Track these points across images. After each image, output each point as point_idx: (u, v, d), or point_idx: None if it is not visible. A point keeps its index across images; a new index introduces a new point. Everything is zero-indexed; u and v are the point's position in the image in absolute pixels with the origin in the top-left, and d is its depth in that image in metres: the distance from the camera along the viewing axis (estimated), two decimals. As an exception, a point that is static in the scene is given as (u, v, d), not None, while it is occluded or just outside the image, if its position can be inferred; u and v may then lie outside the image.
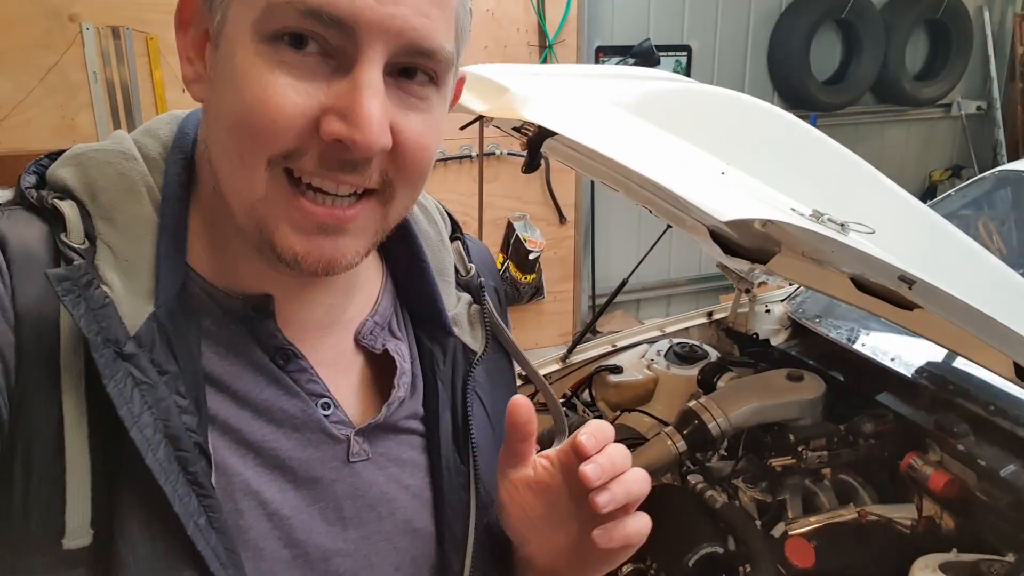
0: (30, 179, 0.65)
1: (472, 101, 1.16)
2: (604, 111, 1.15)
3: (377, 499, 0.69)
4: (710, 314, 2.61)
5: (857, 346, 2.14)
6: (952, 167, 5.70)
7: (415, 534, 0.71)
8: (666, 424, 2.08)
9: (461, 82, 0.73)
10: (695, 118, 1.20)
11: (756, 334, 2.41)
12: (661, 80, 1.46)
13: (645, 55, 4.43)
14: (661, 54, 4.50)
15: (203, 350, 0.63)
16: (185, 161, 0.66)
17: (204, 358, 0.62)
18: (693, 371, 2.24)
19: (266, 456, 0.64)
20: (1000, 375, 1.42)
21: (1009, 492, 1.62)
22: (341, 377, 0.71)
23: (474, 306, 0.80)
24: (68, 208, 0.61)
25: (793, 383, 1.92)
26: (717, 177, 1.04)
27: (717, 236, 1.94)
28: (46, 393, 0.56)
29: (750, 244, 1.88)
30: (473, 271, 0.82)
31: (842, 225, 1.01)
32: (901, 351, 2.04)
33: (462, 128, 1.50)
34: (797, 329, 2.42)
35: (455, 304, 0.78)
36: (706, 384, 2.14)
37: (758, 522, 1.77)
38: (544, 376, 0.94)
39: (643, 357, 2.38)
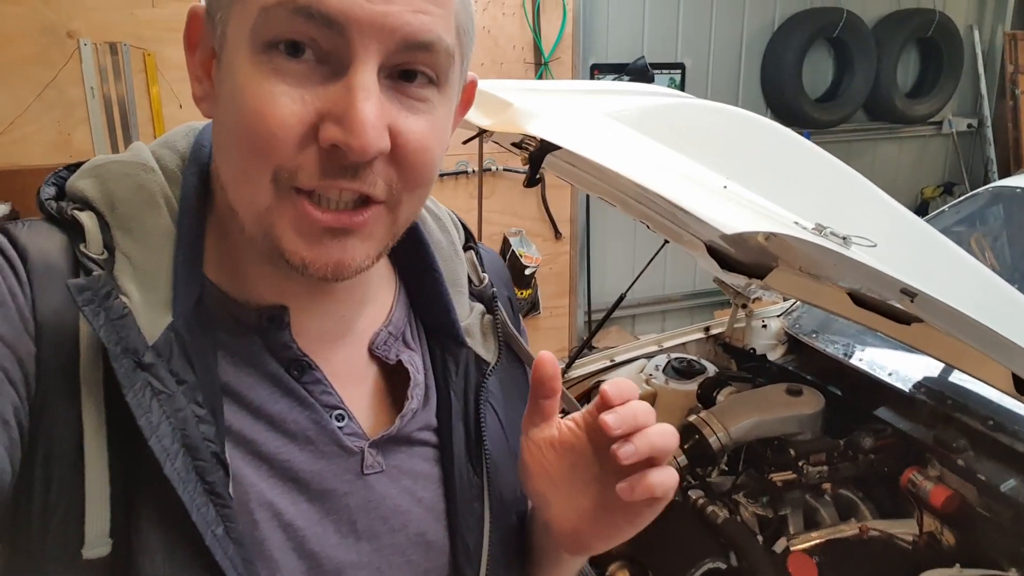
0: (49, 191, 0.65)
1: (475, 116, 1.17)
2: (606, 126, 1.16)
3: (390, 512, 0.69)
4: (707, 329, 2.62)
5: (854, 361, 2.14)
6: (944, 184, 5.75)
7: (428, 546, 0.71)
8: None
9: (472, 86, 0.72)
10: (696, 133, 1.21)
11: (753, 349, 2.42)
12: (661, 96, 1.47)
13: (639, 73, 4.46)
14: (655, 71, 4.53)
15: (219, 361, 0.63)
16: (201, 173, 0.66)
17: (220, 369, 0.62)
18: (691, 386, 2.24)
19: (280, 468, 0.64)
20: (999, 389, 1.42)
21: (1010, 507, 1.63)
22: (355, 388, 0.71)
23: (487, 316, 0.80)
24: (87, 219, 0.61)
25: (793, 398, 1.92)
26: (720, 191, 1.05)
27: (714, 251, 1.95)
28: (66, 403, 0.56)
29: (747, 259, 1.89)
30: (486, 281, 0.82)
31: (844, 239, 1.02)
32: (898, 366, 2.05)
33: (465, 143, 1.50)
34: (794, 344, 2.43)
35: (468, 314, 0.78)
36: (706, 399, 2.14)
37: (760, 537, 1.77)
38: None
39: (641, 372, 2.38)
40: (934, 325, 1.22)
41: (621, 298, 2.51)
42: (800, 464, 1.86)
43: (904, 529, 1.76)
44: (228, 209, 0.63)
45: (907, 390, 1.96)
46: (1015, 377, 1.33)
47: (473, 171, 4.10)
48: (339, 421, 0.67)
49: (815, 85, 5.06)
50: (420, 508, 0.71)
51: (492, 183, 4.23)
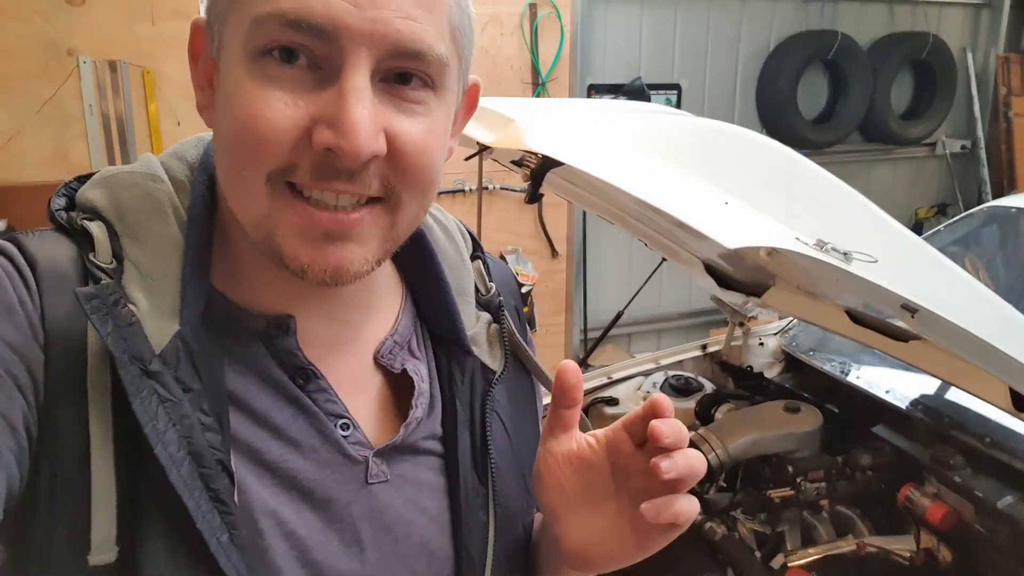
0: (60, 201, 0.66)
1: (478, 132, 1.18)
2: (608, 143, 1.17)
3: (394, 521, 0.69)
4: (704, 347, 2.62)
5: (851, 379, 2.15)
6: (938, 205, 5.78)
7: (432, 556, 0.71)
8: (663, 456, 2.08)
9: (475, 89, 0.73)
10: (697, 150, 1.23)
11: (750, 367, 2.43)
12: (662, 114, 1.48)
13: (636, 93, 4.49)
14: (652, 92, 4.57)
15: (225, 368, 0.63)
16: (209, 182, 0.67)
17: (225, 377, 0.63)
18: (689, 403, 2.24)
19: (283, 477, 0.64)
20: (997, 406, 1.43)
21: (1007, 524, 1.63)
22: (360, 396, 0.71)
23: (494, 325, 0.80)
24: (96, 228, 0.62)
25: (791, 415, 1.93)
26: (721, 207, 1.06)
27: (712, 269, 1.96)
28: (73, 410, 0.57)
29: (745, 277, 1.90)
30: (493, 290, 0.82)
31: (845, 254, 1.03)
32: (895, 384, 2.06)
33: (467, 159, 1.51)
34: (791, 362, 2.44)
35: (475, 323, 0.78)
36: (704, 416, 2.14)
37: (757, 554, 1.77)
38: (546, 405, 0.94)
39: (639, 389, 2.38)
40: (933, 341, 1.23)
41: (619, 316, 2.52)
42: (798, 481, 1.86)
43: (901, 546, 1.76)
44: (232, 216, 0.64)
45: (904, 408, 1.97)
46: (1013, 394, 1.34)
47: (470, 189, 4.12)
48: (344, 430, 0.68)
49: (810, 107, 5.10)
50: (424, 518, 0.71)
51: (489, 201, 4.25)
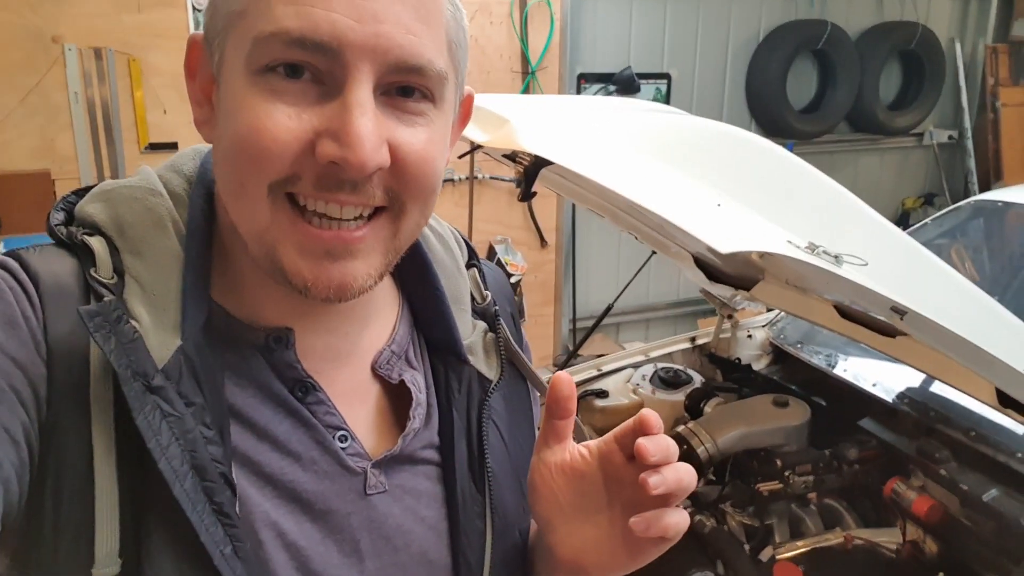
0: (58, 216, 0.66)
1: (472, 131, 1.18)
2: (602, 143, 1.17)
3: (393, 531, 0.69)
4: (693, 339, 2.64)
5: (838, 371, 2.17)
6: (925, 195, 5.82)
7: (431, 565, 0.71)
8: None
9: (469, 100, 0.73)
10: (689, 150, 1.23)
11: (739, 359, 2.45)
12: (656, 113, 1.49)
13: (626, 83, 4.49)
14: (641, 82, 4.56)
15: (225, 382, 0.63)
16: (208, 196, 0.67)
17: (226, 390, 0.63)
18: (678, 396, 2.26)
19: (283, 489, 0.64)
20: (982, 401, 1.45)
21: (991, 517, 1.65)
22: (358, 408, 0.71)
23: (489, 334, 0.80)
24: (97, 244, 0.62)
25: (779, 409, 1.95)
26: (714, 209, 1.07)
27: (701, 262, 1.97)
28: (76, 424, 0.57)
29: (734, 271, 1.91)
30: (489, 298, 0.82)
31: (836, 257, 1.03)
32: (882, 377, 2.08)
33: (460, 157, 1.51)
34: (779, 355, 2.46)
35: (471, 332, 0.79)
36: (693, 409, 2.16)
37: (746, 547, 1.79)
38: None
39: (628, 382, 2.39)
40: (922, 341, 1.24)
41: (609, 308, 2.53)
42: (786, 474, 1.88)
43: (888, 538, 1.79)
44: (232, 230, 0.64)
45: (891, 401, 1.99)
46: (998, 391, 1.36)
47: (460, 179, 4.11)
48: (342, 442, 0.68)
49: (799, 96, 5.11)
50: (423, 527, 0.71)
51: (479, 191, 4.25)
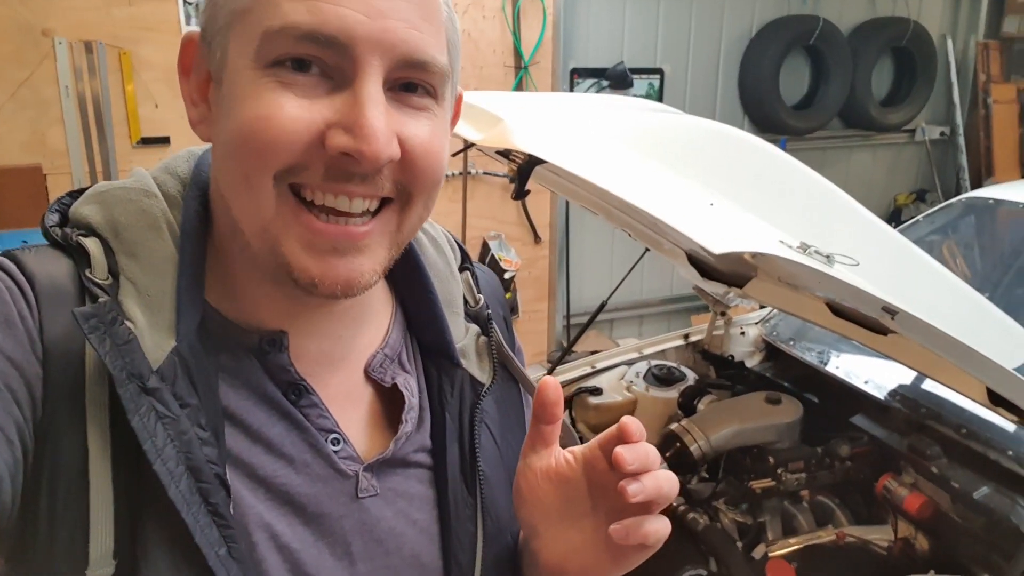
0: (53, 217, 0.66)
1: (465, 129, 1.18)
2: (595, 142, 1.17)
3: (385, 534, 0.70)
4: (687, 336, 2.64)
5: (830, 368, 2.18)
6: (917, 191, 5.84)
7: (422, 568, 0.71)
8: (646, 446, 2.10)
9: (460, 99, 0.74)
10: (683, 149, 1.23)
11: (732, 356, 2.45)
12: (650, 111, 1.48)
13: (619, 78, 4.49)
14: (634, 77, 4.56)
15: (219, 384, 0.63)
16: (202, 197, 0.67)
17: (220, 392, 0.63)
18: (671, 393, 2.27)
19: (277, 491, 0.64)
20: (973, 399, 1.46)
21: (982, 514, 1.66)
22: (351, 411, 0.71)
23: (482, 337, 0.80)
24: (92, 245, 0.62)
25: (772, 406, 1.95)
26: (707, 209, 1.07)
27: (694, 260, 1.97)
28: (71, 425, 0.57)
29: (727, 268, 1.92)
30: (482, 302, 0.82)
31: (828, 257, 1.04)
32: (873, 374, 2.09)
33: (454, 155, 1.50)
34: (771, 351, 2.46)
35: (463, 335, 0.79)
36: (686, 406, 2.16)
37: (739, 544, 1.80)
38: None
39: (622, 379, 2.40)
40: (910, 338, 1.25)
41: (603, 305, 2.53)
42: (778, 471, 1.89)
43: (879, 535, 1.80)
44: (230, 231, 0.64)
45: (882, 398, 2.00)
46: (989, 389, 1.36)
47: (453, 175, 4.10)
48: (334, 445, 0.68)
49: (791, 92, 5.11)
50: (415, 530, 0.71)
51: (472, 187, 4.24)
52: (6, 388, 0.55)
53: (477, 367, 0.78)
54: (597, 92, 4.51)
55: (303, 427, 0.66)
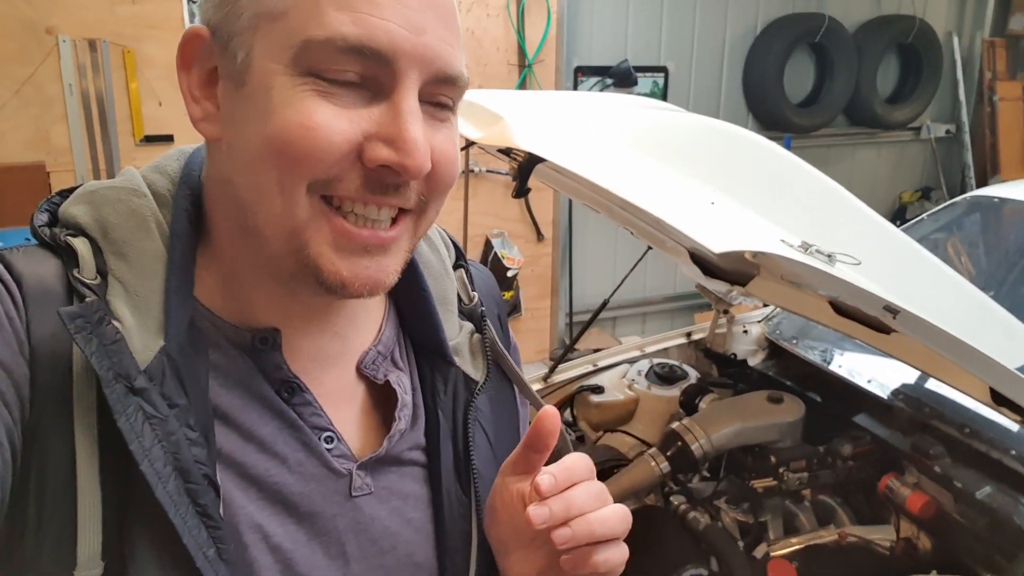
0: (42, 217, 0.65)
1: (466, 128, 1.17)
2: (596, 140, 1.16)
3: (379, 533, 0.69)
4: (689, 335, 2.63)
5: (833, 367, 2.17)
6: (922, 189, 5.82)
7: (417, 567, 0.71)
8: (647, 444, 2.10)
9: None
10: (684, 147, 1.22)
11: (734, 355, 2.44)
12: (652, 109, 1.48)
13: (623, 76, 4.48)
14: (638, 75, 4.56)
15: (210, 383, 0.63)
16: (192, 197, 0.66)
17: (211, 391, 0.63)
18: (673, 391, 2.26)
19: (269, 490, 0.64)
20: (976, 399, 1.45)
21: (985, 514, 1.65)
22: (344, 409, 0.71)
23: (476, 335, 0.80)
24: (80, 245, 0.62)
25: (774, 405, 1.94)
26: (707, 207, 1.06)
27: (697, 258, 1.97)
28: (59, 426, 0.57)
29: (729, 266, 1.91)
30: (476, 300, 0.82)
31: (829, 256, 1.03)
32: (876, 373, 2.08)
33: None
34: (774, 350, 2.45)
35: (457, 333, 0.78)
36: (688, 405, 2.15)
37: (740, 543, 1.79)
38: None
39: (624, 377, 2.39)
40: (916, 339, 1.24)
41: (605, 303, 2.52)
42: (780, 471, 1.88)
43: (882, 535, 1.79)
44: (232, 230, 0.64)
45: (885, 397, 1.99)
46: (992, 389, 1.36)
47: (456, 172, 4.10)
48: (328, 443, 0.68)
49: (796, 90, 5.10)
50: (409, 529, 0.71)
51: (475, 184, 4.24)
52: None
53: (471, 365, 0.78)
54: (601, 90, 4.51)
55: (296, 425, 0.66)
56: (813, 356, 2.25)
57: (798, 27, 4.88)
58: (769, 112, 4.98)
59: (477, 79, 4.11)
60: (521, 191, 1.32)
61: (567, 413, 2.37)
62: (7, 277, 0.59)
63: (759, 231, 1.06)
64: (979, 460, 1.75)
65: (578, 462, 0.66)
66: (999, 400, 1.38)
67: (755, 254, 1.03)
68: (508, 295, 4.45)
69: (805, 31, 4.89)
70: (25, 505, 0.56)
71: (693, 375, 2.35)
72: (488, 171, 4.20)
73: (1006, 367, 1.17)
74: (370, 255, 0.61)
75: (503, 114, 1.14)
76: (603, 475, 1.90)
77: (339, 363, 0.72)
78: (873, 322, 1.59)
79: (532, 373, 2.48)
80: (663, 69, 4.71)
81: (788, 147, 4.71)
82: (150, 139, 3.58)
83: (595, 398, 2.30)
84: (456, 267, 0.83)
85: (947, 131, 5.74)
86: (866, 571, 1.74)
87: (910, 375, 2.03)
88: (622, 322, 5.05)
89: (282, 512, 0.64)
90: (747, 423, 1.90)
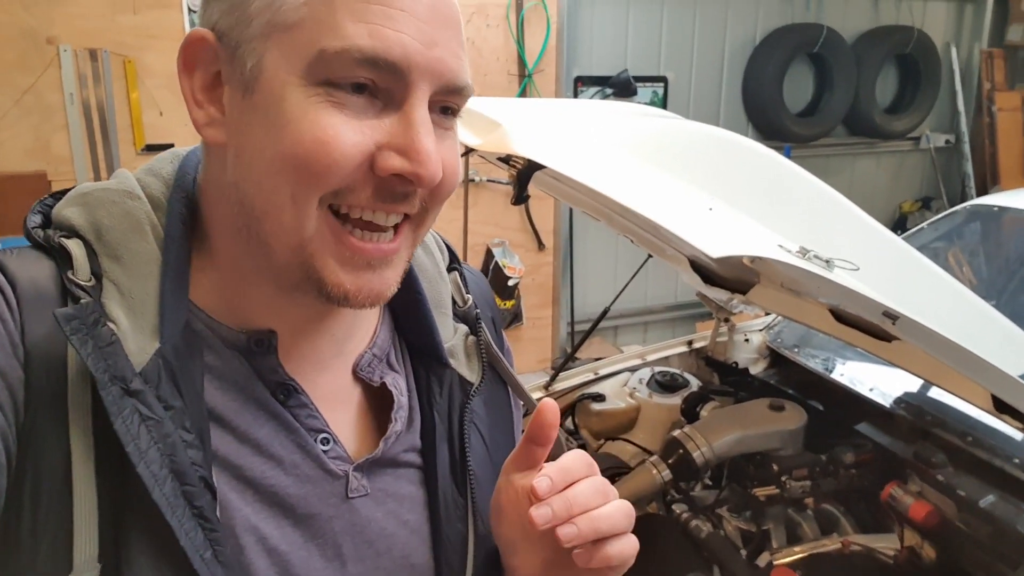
0: (35, 219, 0.65)
1: (465, 135, 1.17)
2: (594, 147, 1.16)
3: (375, 535, 0.69)
4: (690, 343, 2.63)
5: (835, 376, 2.16)
6: (922, 199, 5.82)
7: (413, 569, 0.71)
8: (648, 452, 2.09)
9: None
10: (683, 154, 1.22)
11: (736, 363, 2.44)
12: (650, 116, 1.48)
13: (623, 85, 4.49)
14: (638, 84, 4.57)
15: (205, 385, 0.63)
16: (187, 199, 0.66)
17: (206, 393, 0.62)
18: (674, 400, 2.25)
19: (265, 493, 0.64)
20: (978, 407, 1.44)
21: (988, 522, 1.64)
22: (340, 411, 0.71)
23: (471, 337, 0.80)
24: (75, 247, 0.61)
25: (776, 413, 1.94)
26: (705, 213, 1.06)
27: (697, 266, 1.97)
28: (54, 429, 0.57)
29: (730, 274, 1.91)
30: (470, 302, 0.82)
31: (827, 262, 1.03)
32: (878, 381, 2.07)
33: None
34: (776, 358, 2.45)
35: (452, 335, 0.79)
36: (689, 413, 2.15)
37: (742, 552, 1.78)
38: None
39: (625, 385, 2.39)
40: (916, 346, 1.23)
41: (605, 312, 2.52)
42: (783, 479, 1.87)
43: (885, 544, 1.78)
44: (232, 234, 0.64)
45: (887, 405, 1.98)
46: (994, 396, 1.35)
47: (456, 182, 4.10)
48: (324, 445, 0.68)
49: (795, 100, 5.12)
50: (405, 531, 0.71)
51: (475, 193, 4.24)
52: None
53: (466, 367, 0.78)
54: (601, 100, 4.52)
55: (292, 427, 0.66)
56: (815, 364, 2.25)
57: (797, 37, 4.90)
58: (768, 122, 4.99)
59: (477, 89, 4.08)
60: (520, 198, 1.32)
61: (568, 422, 2.36)
62: (1, 279, 0.59)
63: (757, 237, 1.06)
64: (982, 468, 1.74)
65: (575, 460, 0.67)
66: (1001, 408, 1.37)
67: (753, 259, 1.03)
68: (509, 304, 4.44)
69: (804, 41, 4.91)
70: (20, 508, 0.56)
71: (694, 383, 2.34)
72: (489, 180, 4.21)
73: (1008, 374, 1.16)
74: (373, 269, 0.62)
75: (502, 121, 1.14)
76: (604, 484, 1.89)
77: (335, 365, 0.72)
78: (874, 330, 1.59)
79: (533, 382, 2.48)
80: (663, 79, 4.72)
81: (788, 157, 4.71)
82: (151, 148, 3.59)
83: (596, 406, 2.30)
84: (450, 270, 0.84)
85: (947, 141, 5.75)
86: (869, 580, 1.73)
87: (912, 383, 2.03)
88: (623, 331, 5.05)
89: (278, 514, 0.64)
90: (749, 431, 1.89)
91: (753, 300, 1.87)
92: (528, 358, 4.65)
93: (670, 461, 1.87)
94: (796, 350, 2.36)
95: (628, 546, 0.66)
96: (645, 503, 1.93)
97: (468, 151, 1.33)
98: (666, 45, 4.72)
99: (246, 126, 0.59)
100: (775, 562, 1.75)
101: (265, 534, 0.63)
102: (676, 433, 1.92)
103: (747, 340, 2.52)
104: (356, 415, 0.73)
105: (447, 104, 0.62)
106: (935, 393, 1.97)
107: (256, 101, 0.58)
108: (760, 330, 2.57)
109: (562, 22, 4.25)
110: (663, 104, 4.71)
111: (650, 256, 2.11)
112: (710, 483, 2.01)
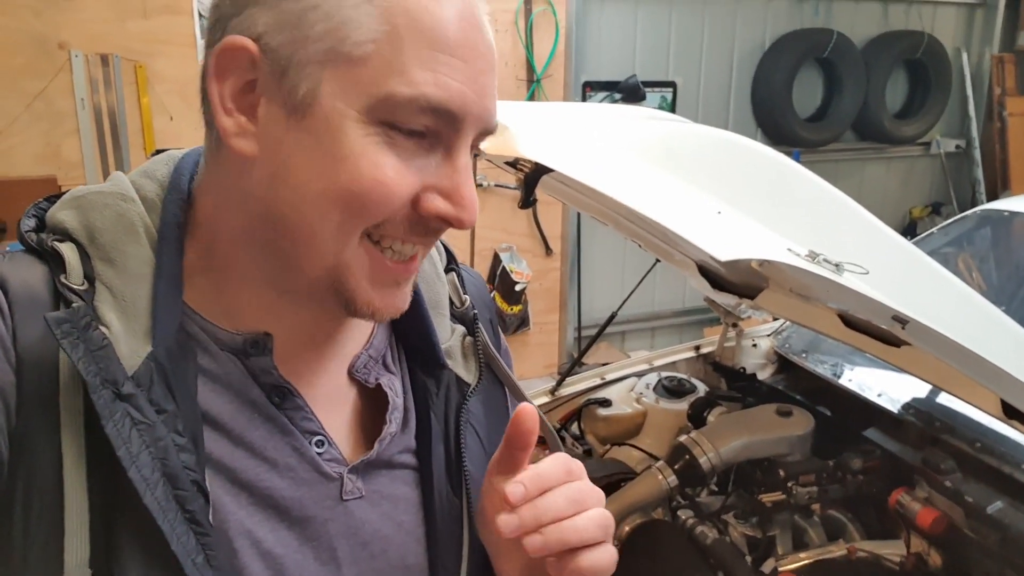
0: (29, 222, 0.65)
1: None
2: (601, 150, 1.16)
3: (370, 537, 0.69)
4: (698, 348, 2.62)
5: (843, 381, 2.15)
6: (932, 204, 5.79)
7: (408, 571, 0.71)
8: (655, 458, 2.09)
9: None
10: (691, 157, 1.22)
11: (743, 368, 2.43)
12: (657, 120, 1.48)
13: (631, 91, 4.49)
14: (647, 90, 4.56)
15: (200, 388, 0.62)
16: (182, 202, 0.66)
17: (200, 396, 0.62)
18: (681, 405, 2.25)
19: (259, 495, 0.64)
20: (987, 412, 1.43)
21: (996, 529, 1.63)
22: (335, 412, 0.71)
23: (468, 338, 0.80)
24: (68, 250, 0.61)
25: (783, 419, 1.93)
26: (714, 217, 1.06)
27: (705, 271, 1.96)
28: (46, 433, 0.57)
29: (738, 279, 1.90)
30: (468, 303, 0.82)
31: (837, 265, 1.02)
32: (887, 387, 2.06)
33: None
34: (784, 364, 2.44)
35: (449, 336, 0.79)
36: (696, 418, 2.14)
37: (748, 558, 1.77)
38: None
39: (632, 390, 2.38)
40: (925, 351, 1.23)
41: (612, 317, 2.52)
42: (789, 485, 1.86)
43: (892, 550, 1.77)
44: (236, 240, 0.64)
45: (896, 411, 1.97)
46: (1003, 402, 1.34)
47: (464, 186, 4.11)
48: (319, 447, 0.68)
49: (805, 105, 5.10)
50: (400, 533, 0.71)
51: (483, 198, 4.24)
52: None
53: (463, 368, 0.78)
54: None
55: (287, 430, 0.66)
56: (823, 370, 2.24)
57: (806, 42, 4.88)
58: (777, 127, 4.98)
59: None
60: (527, 202, 1.32)
61: (575, 426, 2.36)
62: None
63: (765, 240, 1.05)
64: (990, 475, 1.73)
65: (552, 467, 0.65)
66: (1011, 413, 1.36)
67: (761, 263, 1.02)
68: (517, 309, 4.44)
69: (813, 46, 4.89)
70: (12, 512, 0.56)
71: (702, 389, 2.34)
72: (496, 185, 4.21)
73: (1018, 379, 1.15)
74: (399, 286, 0.66)
75: (509, 124, 1.14)
76: (610, 489, 1.89)
77: (330, 367, 0.72)
78: (883, 335, 1.58)
79: (540, 387, 2.48)
80: (671, 84, 4.72)
81: (797, 162, 4.70)
82: (161, 153, 3.60)
83: (603, 411, 2.29)
84: (448, 271, 0.84)
85: (957, 146, 5.72)
86: (877, 587, 1.72)
87: (921, 389, 2.01)
88: (631, 336, 5.04)
89: (273, 517, 0.64)
90: (755, 436, 1.89)
91: (761, 305, 1.86)
92: (535, 363, 4.65)
93: (676, 467, 1.86)
94: (804, 355, 2.35)
95: (603, 557, 0.65)
96: (651, 509, 1.92)
97: (475, 155, 1.34)
98: (675, 50, 4.71)
99: (291, 147, 0.59)
100: (781, 568, 1.74)
101: (259, 537, 0.63)
102: (683, 439, 1.92)
103: (755, 345, 2.51)
104: (351, 417, 0.73)
105: (477, 143, 0.65)
106: (944, 399, 1.96)
107: (308, 126, 0.58)
108: (768, 335, 2.56)
109: (571, 27, 4.25)
110: (672, 109, 4.71)
111: (658, 261, 2.11)
112: (716, 489, 2.00)
